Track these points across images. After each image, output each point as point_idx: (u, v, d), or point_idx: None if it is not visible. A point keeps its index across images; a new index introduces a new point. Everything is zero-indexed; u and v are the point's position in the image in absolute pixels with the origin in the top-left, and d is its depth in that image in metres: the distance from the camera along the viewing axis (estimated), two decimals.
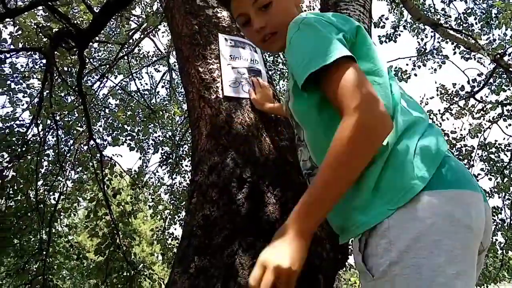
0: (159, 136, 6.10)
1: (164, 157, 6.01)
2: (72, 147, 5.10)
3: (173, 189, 5.88)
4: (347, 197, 0.87)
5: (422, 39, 6.19)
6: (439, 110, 5.86)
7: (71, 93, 5.01)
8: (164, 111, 5.01)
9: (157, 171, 6.31)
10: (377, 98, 0.79)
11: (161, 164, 5.95)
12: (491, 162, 5.58)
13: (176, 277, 1.40)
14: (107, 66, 5.51)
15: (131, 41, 6.00)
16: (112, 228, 4.53)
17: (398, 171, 0.81)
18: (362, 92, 0.78)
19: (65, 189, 4.83)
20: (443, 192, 0.78)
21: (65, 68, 4.68)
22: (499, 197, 5.91)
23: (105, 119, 5.41)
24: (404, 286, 0.74)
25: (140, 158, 6.06)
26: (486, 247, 0.93)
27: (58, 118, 4.50)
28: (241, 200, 1.46)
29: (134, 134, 5.21)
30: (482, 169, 5.88)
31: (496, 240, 6.14)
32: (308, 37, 0.89)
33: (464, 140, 5.64)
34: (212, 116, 1.62)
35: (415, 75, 5.82)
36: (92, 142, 4.36)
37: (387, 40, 6.16)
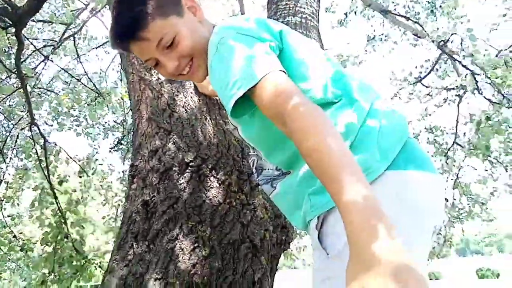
0: (108, 121, 5.88)
1: (115, 142, 5.81)
2: (13, 133, 4.80)
3: (124, 176, 5.71)
4: (305, 181, 0.87)
5: (371, 25, 6.34)
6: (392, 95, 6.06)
7: (11, 76, 4.70)
8: (112, 95, 4.79)
9: (105, 158, 6.06)
10: (306, 107, 0.73)
11: (112, 150, 5.75)
12: (436, 145, 5.88)
13: (115, 264, 1.35)
14: (52, 47, 5.19)
15: (78, 21, 5.68)
16: (59, 217, 4.35)
17: (362, 153, 0.80)
18: (292, 106, 0.72)
19: (6, 177, 4.55)
20: (404, 172, 0.79)
21: (4, 49, 4.37)
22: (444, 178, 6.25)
23: (49, 103, 5.11)
24: None
25: (90, 145, 5.84)
26: (438, 228, 0.96)
27: None
28: (183, 185, 1.43)
29: (81, 118, 4.98)
30: (428, 151, 6.17)
31: None
32: (227, 59, 0.81)
33: (411, 124, 5.89)
34: (153, 99, 1.56)
35: (365, 60, 5.99)
36: (34, 127, 4.12)
37: (339, 25, 6.25)
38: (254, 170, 1.09)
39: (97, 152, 6.24)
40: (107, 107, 4.99)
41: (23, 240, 4.76)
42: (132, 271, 1.29)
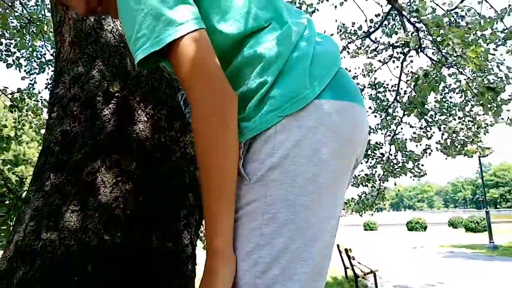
0: (44, 54, 5.43)
1: (52, 78, 5.42)
2: None
3: None
4: None
5: None
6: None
7: None
8: (43, 22, 4.37)
9: (39, 92, 5.64)
10: (216, 76, 0.72)
11: (49, 86, 5.36)
12: (378, 101, 6.09)
13: (31, 195, 1.28)
14: None
15: None
16: None
17: (291, 80, 0.77)
18: (200, 73, 0.71)
19: None
20: (333, 102, 0.78)
21: None
22: (381, 133, 6.55)
23: None
24: (277, 191, 0.73)
25: (23, 79, 5.40)
26: (359, 162, 0.97)
27: None
28: (107, 116, 1.35)
29: (12, 48, 4.53)
30: (370, 107, 6.39)
31: (376, 171, 6.91)
32: (130, 6, 0.73)
33: (356, 79, 6.00)
34: (77, 21, 1.43)
35: (318, 10, 5.89)
36: None
37: None
38: (182, 103, 1.05)
39: (32, 88, 5.83)
40: (43, 36, 4.58)
41: None
42: (48, 202, 1.23)
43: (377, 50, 5.50)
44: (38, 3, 5.76)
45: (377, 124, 6.43)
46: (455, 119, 6.25)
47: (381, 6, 5.27)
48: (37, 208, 1.23)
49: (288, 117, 0.76)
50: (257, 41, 0.80)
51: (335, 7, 6.06)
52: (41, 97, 5.35)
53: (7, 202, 4.30)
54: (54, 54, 5.57)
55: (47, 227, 1.18)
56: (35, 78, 5.62)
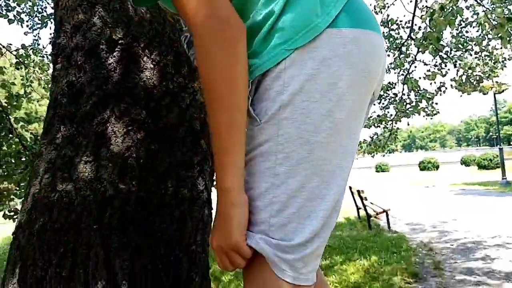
0: (45, 7, 5.28)
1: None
2: None
3: None
4: None
5: None
6: None
7: None
8: None
9: (44, 47, 5.56)
10: (221, 5, 0.69)
11: (51, 44, 5.25)
12: (391, 39, 5.84)
13: (43, 149, 1.28)
14: None
15: None
16: (0, 111, 4.10)
17: (300, 9, 0.72)
18: (204, 4, 0.67)
19: None
20: (348, 30, 0.71)
21: None
22: (394, 73, 6.36)
23: None
24: (290, 130, 0.70)
25: (25, 34, 5.31)
26: (375, 97, 0.92)
27: None
28: (112, 65, 1.31)
29: (11, 3, 4.40)
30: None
31: (388, 112, 6.82)
32: None
33: None
34: None
35: None
36: None
37: None
38: (185, 46, 1.00)
39: (37, 43, 5.75)
40: None
41: None
42: (61, 154, 1.23)
43: None
44: None
45: (390, 64, 6.22)
46: (471, 55, 6.00)
47: None
48: (50, 161, 1.23)
49: (299, 50, 0.71)
50: None
51: None
52: (46, 52, 5.28)
53: (23, 159, 4.39)
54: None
55: (62, 178, 1.19)
56: (38, 33, 5.53)
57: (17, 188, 4.07)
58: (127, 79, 1.31)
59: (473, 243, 6.25)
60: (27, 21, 5.27)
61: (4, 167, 4.22)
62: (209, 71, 0.69)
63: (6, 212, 4.30)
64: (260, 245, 0.69)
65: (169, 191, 1.29)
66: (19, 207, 4.63)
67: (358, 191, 8.18)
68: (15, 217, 4.45)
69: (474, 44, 6.34)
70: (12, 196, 4.14)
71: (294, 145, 0.70)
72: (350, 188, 9.29)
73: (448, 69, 6.08)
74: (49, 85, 5.66)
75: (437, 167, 26.30)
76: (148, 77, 1.35)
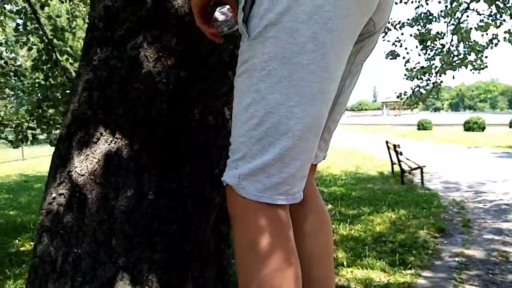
0: None
1: None
2: None
3: None
4: None
5: None
6: None
7: None
8: None
9: None
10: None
11: None
12: None
13: (81, 70, 1.37)
14: None
15: None
16: (46, 43, 4.29)
17: None
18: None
19: None
20: None
21: None
22: (444, 22, 5.95)
23: None
24: (274, 48, 0.73)
25: None
26: (379, 28, 0.91)
27: None
28: None
29: None
30: None
31: (433, 64, 6.49)
32: None
33: None
34: None
35: None
36: None
37: None
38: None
39: None
40: None
41: (15, 66, 4.80)
42: (97, 75, 1.31)
43: None
44: None
45: (441, 11, 5.80)
46: None
47: None
48: (88, 81, 1.32)
49: None
50: None
51: None
52: None
53: (68, 91, 4.63)
54: None
55: (97, 97, 1.28)
56: None
57: (62, 118, 4.33)
58: (160, 6, 1.35)
59: (508, 205, 6.11)
60: None
61: (50, 99, 4.49)
62: None
63: (53, 141, 4.63)
64: (245, 190, 0.76)
65: (195, 117, 1.36)
66: None
67: (394, 146, 8.07)
68: None
69: None
70: (57, 126, 4.43)
71: (276, 63, 0.73)
72: (387, 142, 9.16)
73: (504, 20, 5.61)
74: None
75: (483, 129, 25.15)
76: (180, 5, 1.37)
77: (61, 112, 4.44)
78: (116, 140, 1.21)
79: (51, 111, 4.33)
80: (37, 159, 17.50)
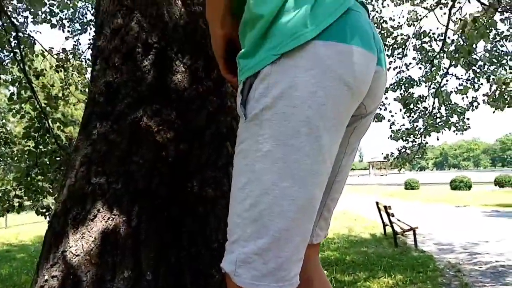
0: (85, 14, 5.55)
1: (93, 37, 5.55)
2: None
3: None
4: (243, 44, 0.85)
5: None
6: None
7: None
8: None
9: (83, 52, 5.83)
10: None
11: (91, 47, 5.51)
12: (423, 52, 5.76)
13: (80, 144, 1.36)
14: None
15: None
16: (39, 112, 4.32)
17: (291, 18, 0.75)
18: None
19: None
20: (333, 44, 0.74)
21: None
22: (425, 86, 6.25)
23: None
24: (269, 131, 0.74)
25: (66, 39, 5.59)
26: (370, 111, 0.94)
27: None
28: (147, 67, 1.39)
29: (55, 9, 4.66)
30: (414, 58, 6.10)
31: (417, 126, 6.69)
32: None
33: (401, 28, 5.69)
34: None
35: None
36: (4, 16, 3.87)
37: None
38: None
39: (77, 48, 6.01)
40: None
41: (5, 134, 4.79)
42: (96, 149, 1.30)
43: None
44: None
45: (421, 76, 6.13)
46: (505, 70, 5.81)
47: None
48: (86, 155, 1.31)
49: (285, 56, 0.74)
50: None
51: None
52: (84, 56, 5.54)
53: (58, 158, 4.59)
54: (94, 14, 5.68)
55: (96, 172, 1.26)
56: (78, 39, 5.81)
57: (51, 186, 4.26)
58: (160, 81, 1.39)
59: (504, 267, 6.01)
60: (68, 27, 5.55)
61: (39, 165, 4.43)
62: None
63: (39, 209, 4.51)
64: (241, 278, 0.75)
65: (194, 190, 1.34)
66: (51, 205, 4.83)
67: (385, 207, 8.03)
68: (47, 214, 4.65)
69: (509, 59, 6.16)
70: (45, 194, 4.34)
71: (271, 145, 0.74)
72: (377, 203, 9.12)
73: (481, 84, 5.92)
74: (86, 90, 5.90)
75: (470, 187, 25.40)
76: (180, 80, 1.41)
77: (50, 179, 4.36)
78: (113, 216, 1.17)
79: (39, 178, 4.26)
80: (21, 226, 16.89)
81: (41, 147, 4.34)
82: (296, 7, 0.76)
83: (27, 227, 16.05)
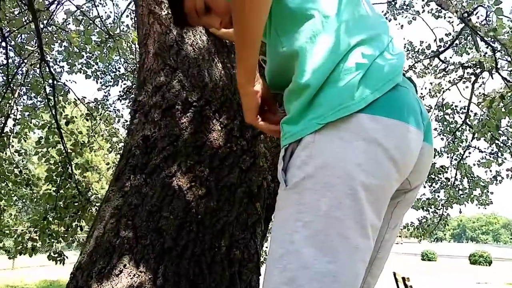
0: (119, 68, 5.84)
1: (124, 90, 5.79)
2: (22, 69, 4.79)
3: None
4: (287, 112, 0.85)
5: None
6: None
7: (23, 10, 4.62)
8: (122, 38, 4.71)
9: (113, 102, 6.07)
10: None
11: (120, 98, 5.74)
12: (445, 123, 5.80)
13: (111, 195, 1.37)
14: None
15: None
16: (64, 157, 4.41)
17: (339, 89, 0.76)
18: None
19: (14, 113, 4.58)
20: (379, 118, 0.74)
21: None
22: (447, 157, 6.21)
23: (59, 41, 5.05)
24: (310, 200, 0.73)
25: (98, 89, 5.83)
26: (415, 187, 0.92)
27: (7, 35, 4.17)
28: (185, 124, 1.42)
29: (91, 61, 4.93)
30: (435, 129, 6.11)
31: (438, 197, 6.55)
32: None
33: (423, 99, 5.77)
34: (161, 34, 1.52)
35: None
36: (44, 65, 4.10)
37: None
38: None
39: (106, 99, 6.25)
40: (118, 52, 4.93)
41: (28, 176, 4.86)
42: (127, 202, 1.30)
43: (446, 70, 5.25)
44: (115, 21, 6.23)
45: (443, 147, 6.12)
46: None
47: (453, 25, 5.06)
48: (117, 207, 1.30)
49: (329, 126, 0.74)
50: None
51: (401, 26, 5.85)
52: (114, 107, 5.76)
53: (76, 204, 4.60)
54: (127, 68, 5.98)
55: (125, 225, 1.25)
56: (109, 90, 6.07)
57: (66, 231, 4.24)
58: (196, 138, 1.41)
59: None
60: (101, 78, 5.82)
61: (57, 209, 4.44)
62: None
63: (52, 254, 4.45)
64: None
65: (222, 250, 1.31)
66: (64, 250, 4.77)
67: (403, 279, 7.64)
68: (58, 259, 4.58)
69: None
70: (59, 239, 4.30)
71: (313, 215, 0.72)
72: (394, 274, 8.71)
73: (505, 158, 5.86)
74: (113, 138, 6.05)
75: (490, 263, 24.20)
76: (215, 138, 1.43)
77: (66, 224, 4.35)
78: (139, 273, 1.14)
79: (56, 222, 4.25)
80: (27, 269, 16.61)
81: (62, 191, 4.37)
82: (343, 78, 0.77)
83: (33, 270, 15.78)
